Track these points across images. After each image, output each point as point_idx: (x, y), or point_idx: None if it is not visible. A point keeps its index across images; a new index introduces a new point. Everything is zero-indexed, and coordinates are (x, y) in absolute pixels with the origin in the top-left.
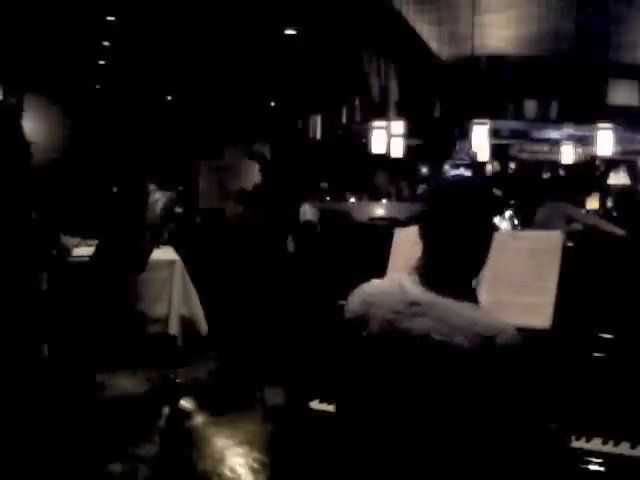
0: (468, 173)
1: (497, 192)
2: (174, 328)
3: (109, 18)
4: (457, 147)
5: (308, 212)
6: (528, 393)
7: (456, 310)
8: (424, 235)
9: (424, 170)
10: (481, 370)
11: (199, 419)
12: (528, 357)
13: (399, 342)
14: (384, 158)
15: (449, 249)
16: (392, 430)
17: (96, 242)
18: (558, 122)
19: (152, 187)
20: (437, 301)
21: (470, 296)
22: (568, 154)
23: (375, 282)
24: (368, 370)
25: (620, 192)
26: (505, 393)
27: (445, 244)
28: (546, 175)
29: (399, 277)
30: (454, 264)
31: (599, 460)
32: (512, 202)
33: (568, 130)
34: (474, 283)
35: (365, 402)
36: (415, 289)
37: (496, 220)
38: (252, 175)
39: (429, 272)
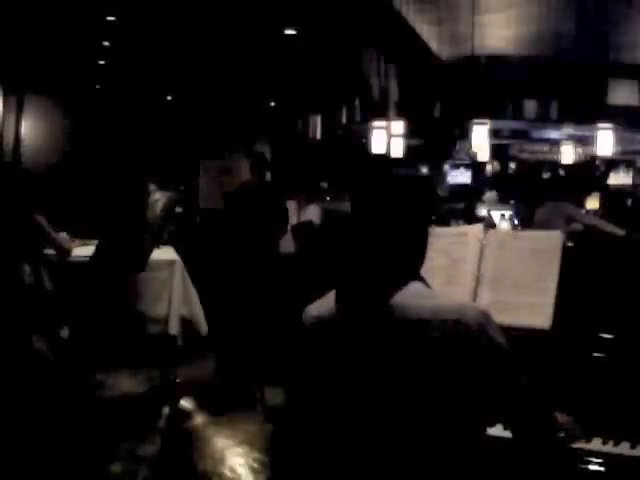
0: (468, 173)
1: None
2: (174, 328)
3: (109, 18)
4: (457, 147)
5: (313, 213)
6: (508, 355)
7: (412, 303)
8: (352, 234)
9: (424, 170)
10: (460, 351)
11: (199, 419)
12: (495, 323)
13: (366, 348)
14: (384, 158)
15: (381, 246)
16: (379, 426)
17: (96, 242)
18: (558, 122)
19: (152, 187)
20: (392, 299)
21: (419, 281)
22: (568, 154)
23: (316, 304)
24: (341, 379)
25: (615, 192)
26: (489, 363)
27: (376, 241)
28: (546, 175)
29: (333, 293)
30: (391, 261)
31: (599, 460)
32: (512, 202)
33: (568, 130)
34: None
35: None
36: (359, 295)
37: (496, 220)
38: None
39: (368, 272)
